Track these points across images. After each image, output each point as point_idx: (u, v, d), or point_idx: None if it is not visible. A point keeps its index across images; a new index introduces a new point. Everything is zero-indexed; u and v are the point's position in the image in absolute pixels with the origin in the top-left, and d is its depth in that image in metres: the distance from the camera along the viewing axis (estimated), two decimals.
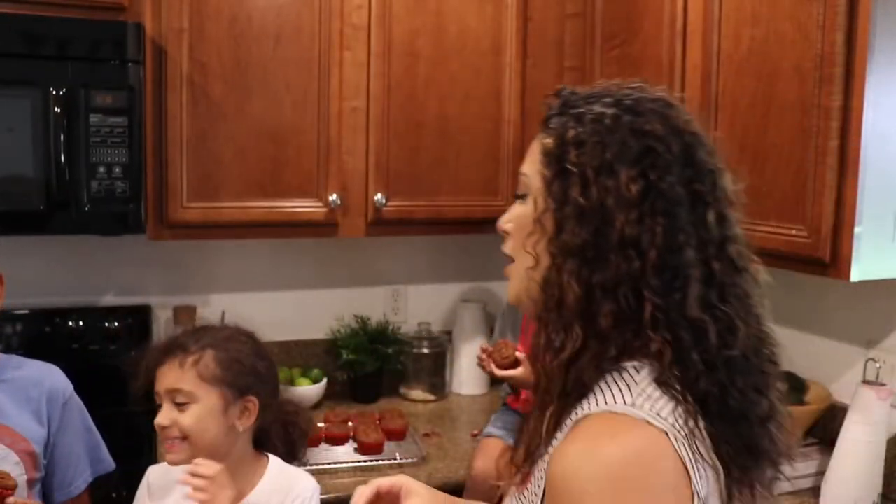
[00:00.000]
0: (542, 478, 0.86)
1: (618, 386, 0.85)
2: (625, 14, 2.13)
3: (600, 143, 0.86)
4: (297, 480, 1.48)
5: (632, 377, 0.85)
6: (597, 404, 0.84)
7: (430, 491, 1.10)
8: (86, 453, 1.64)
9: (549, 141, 0.91)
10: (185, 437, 1.37)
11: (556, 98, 0.94)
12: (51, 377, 1.61)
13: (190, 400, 1.37)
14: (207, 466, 1.31)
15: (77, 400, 1.64)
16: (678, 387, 0.84)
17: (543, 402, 0.90)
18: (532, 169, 0.93)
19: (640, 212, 0.84)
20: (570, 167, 0.87)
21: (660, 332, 0.84)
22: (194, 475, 1.30)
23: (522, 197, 0.95)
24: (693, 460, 0.80)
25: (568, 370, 0.86)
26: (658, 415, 0.81)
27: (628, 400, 0.82)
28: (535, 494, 0.88)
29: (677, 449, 0.79)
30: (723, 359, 0.85)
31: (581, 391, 0.86)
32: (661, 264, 0.84)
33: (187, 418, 1.36)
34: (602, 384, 0.86)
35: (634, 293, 0.84)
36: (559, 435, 0.87)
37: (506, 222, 0.97)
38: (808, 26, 1.56)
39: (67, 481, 1.60)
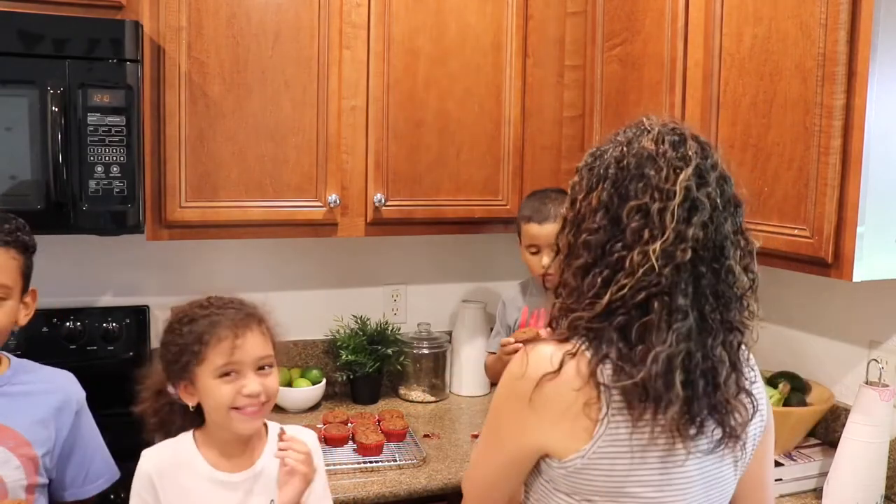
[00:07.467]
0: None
1: None
2: (626, 12, 2.12)
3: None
4: (297, 436, 1.51)
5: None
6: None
7: None
8: (101, 461, 1.64)
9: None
10: (265, 402, 1.43)
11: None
12: (64, 385, 1.60)
13: (273, 364, 1.45)
14: (301, 444, 1.44)
15: (87, 408, 1.63)
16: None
17: None
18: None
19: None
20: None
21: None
22: (293, 451, 1.42)
23: None
24: None
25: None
26: None
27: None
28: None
29: None
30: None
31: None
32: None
33: (273, 382, 1.44)
34: None
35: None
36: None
37: None
38: (810, 25, 1.55)
39: (77, 484, 1.60)
